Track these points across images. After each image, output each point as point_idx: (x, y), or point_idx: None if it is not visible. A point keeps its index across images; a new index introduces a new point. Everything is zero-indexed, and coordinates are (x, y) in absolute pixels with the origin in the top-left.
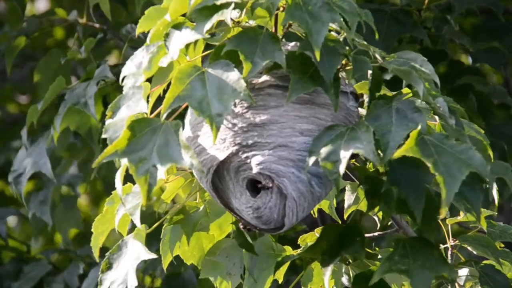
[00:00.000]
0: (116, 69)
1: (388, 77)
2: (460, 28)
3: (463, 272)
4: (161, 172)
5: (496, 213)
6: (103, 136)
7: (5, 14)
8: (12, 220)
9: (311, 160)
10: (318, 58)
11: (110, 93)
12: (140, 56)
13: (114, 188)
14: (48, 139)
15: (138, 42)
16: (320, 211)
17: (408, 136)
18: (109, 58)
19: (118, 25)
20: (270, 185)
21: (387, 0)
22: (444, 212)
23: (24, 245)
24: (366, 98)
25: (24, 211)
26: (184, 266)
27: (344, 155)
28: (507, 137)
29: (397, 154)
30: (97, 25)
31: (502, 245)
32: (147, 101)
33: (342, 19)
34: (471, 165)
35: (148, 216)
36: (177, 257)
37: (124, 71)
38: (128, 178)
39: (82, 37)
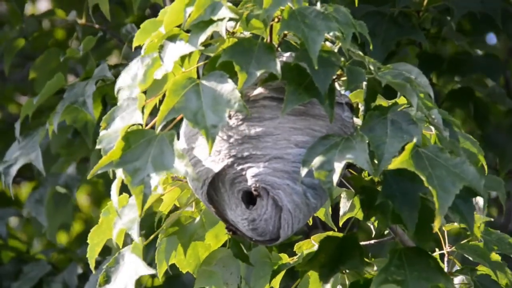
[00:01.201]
0: (116, 69)
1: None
2: (459, 26)
3: (459, 279)
4: (156, 181)
5: (492, 219)
6: (97, 147)
7: (5, 14)
8: (13, 221)
9: (305, 170)
10: (315, 66)
11: (109, 93)
12: (135, 68)
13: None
14: (41, 133)
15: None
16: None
17: (403, 148)
18: (109, 59)
19: (117, 26)
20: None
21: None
22: (437, 225)
23: (24, 245)
24: (361, 107)
25: (25, 212)
26: None
27: (338, 165)
28: (500, 146)
29: (392, 166)
30: (96, 26)
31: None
32: (142, 112)
33: (337, 31)
34: (465, 179)
35: (148, 217)
36: (173, 265)
37: (119, 83)
38: (123, 189)
39: (82, 37)
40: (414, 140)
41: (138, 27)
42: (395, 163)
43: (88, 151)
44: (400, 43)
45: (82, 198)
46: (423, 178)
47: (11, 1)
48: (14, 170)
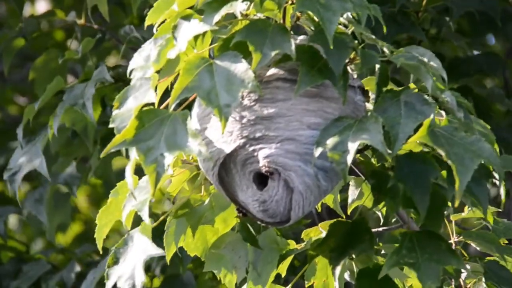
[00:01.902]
0: (115, 70)
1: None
2: (458, 27)
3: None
4: (169, 160)
5: (501, 209)
6: (110, 125)
7: (5, 15)
8: (13, 223)
9: (318, 150)
10: (331, 46)
11: (108, 94)
12: (148, 49)
13: (112, 188)
14: (44, 139)
15: (137, 43)
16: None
17: (417, 128)
18: (107, 59)
19: (116, 27)
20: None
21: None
22: (457, 202)
23: (23, 245)
24: (372, 95)
25: (25, 212)
26: (183, 267)
27: (352, 145)
28: (504, 140)
29: (410, 141)
30: (95, 26)
31: (506, 241)
32: (155, 92)
33: (352, 11)
34: (481, 155)
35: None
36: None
37: (132, 64)
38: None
39: (81, 38)
40: (432, 116)
41: (137, 28)
42: (412, 140)
43: (88, 151)
44: (400, 43)
45: (81, 199)
46: (442, 153)
47: (10, 1)
48: (19, 177)
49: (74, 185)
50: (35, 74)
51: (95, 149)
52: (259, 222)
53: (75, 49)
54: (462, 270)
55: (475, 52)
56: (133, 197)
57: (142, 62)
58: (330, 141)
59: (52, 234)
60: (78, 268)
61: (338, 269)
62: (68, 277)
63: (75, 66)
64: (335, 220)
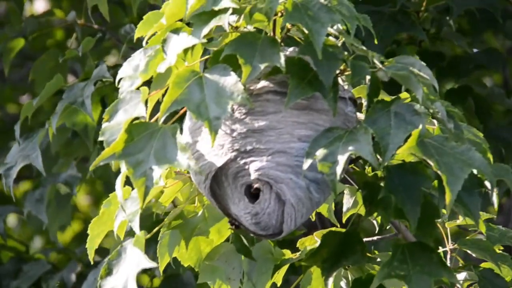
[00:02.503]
0: (115, 69)
1: (386, 79)
2: (459, 27)
3: (462, 276)
4: (158, 173)
5: (495, 217)
6: (100, 139)
7: (5, 15)
8: (12, 222)
9: (308, 162)
10: (320, 57)
11: (108, 94)
12: (137, 59)
13: (112, 187)
14: (40, 134)
15: (136, 43)
16: (319, 213)
17: (407, 138)
18: (107, 59)
19: (116, 26)
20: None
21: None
22: (448, 211)
23: (23, 245)
24: (364, 102)
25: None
26: (182, 267)
27: (342, 157)
28: (504, 140)
29: (400, 151)
30: (95, 26)
31: (501, 248)
32: (146, 106)
33: (340, 23)
34: (472, 165)
35: (147, 217)
36: (174, 260)
37: (121, 73)
38: (126, 182)
39: (81, 37)
40: (420, 126)
41: (137, 27)
42: (401, 151)
43: (88, 151)
44: (400, 43)
45: (81, 198)
46: (432, 163)
47: (10, 0)
48: (14, 172)
49: (74, 184)
50: (35, 74)
51: (95, 149)
52: (251, 235)
53: (75, 49)
54: (459, 278)
55: (475, 50)
56: (123, 209)
57: (131, 71)
58: (320, 153)
59: (55, 235)
60: (78, 268)
61: (331, 280)
62: (68, 277)
63: (75, 65)
64: (328, 230)
